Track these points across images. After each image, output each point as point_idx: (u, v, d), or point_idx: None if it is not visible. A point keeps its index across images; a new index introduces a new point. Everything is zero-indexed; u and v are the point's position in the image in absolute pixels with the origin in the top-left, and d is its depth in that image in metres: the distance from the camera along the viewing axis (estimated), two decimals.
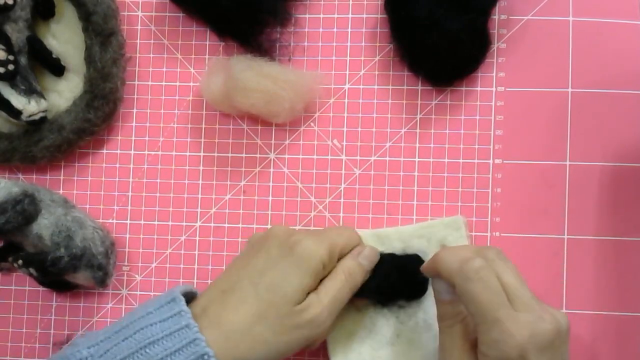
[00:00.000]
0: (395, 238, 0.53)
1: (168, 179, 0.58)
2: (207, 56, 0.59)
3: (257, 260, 0.47)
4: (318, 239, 0.48)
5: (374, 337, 0.53)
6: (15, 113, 0.54)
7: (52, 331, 0.58)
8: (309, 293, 0.47)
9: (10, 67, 0.53)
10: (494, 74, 0.56)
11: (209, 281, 0.57)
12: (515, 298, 0.43)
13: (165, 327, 0.44)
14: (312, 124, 0.57)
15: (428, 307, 0.52)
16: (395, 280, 0.51)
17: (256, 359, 0.45)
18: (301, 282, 0.46)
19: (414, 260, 0.52)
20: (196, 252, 0.57)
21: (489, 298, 0.42)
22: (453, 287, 0.45)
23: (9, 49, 0.54)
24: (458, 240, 0.53)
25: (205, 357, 0.43)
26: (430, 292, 0.52)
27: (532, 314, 0.42)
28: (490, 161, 0.56)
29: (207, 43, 0.59)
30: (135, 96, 0.59)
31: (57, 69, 0.57)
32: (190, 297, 0.47)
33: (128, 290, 0.58)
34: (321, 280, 0.48)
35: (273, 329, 0.45)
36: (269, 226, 0.57)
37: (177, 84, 0.59)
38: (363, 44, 0.57)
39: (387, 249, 0.53)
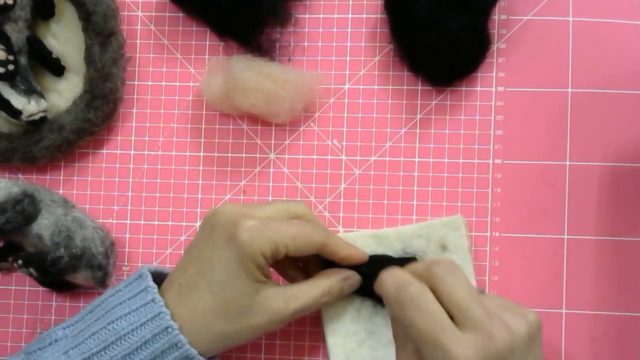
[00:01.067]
0: (395, 238, 0.53)
1: (168, 179, 0.58)
2: (207, 56, 0.59)
3: (205, 253, 0.47)
4: (262, 232, 0.46)
5: (374, 338, 0.53)
6: (15, 113, 0.54)
7: None
8: (269, 279, 0.48)
9: (10, 67, 0.53)
10: (494, 74, 0.56)
11: None
12: (462, 316, 0.41)
13: (132, 303, 0.46)
14: (312, 124, 0.57)
15: None
16: None
17: (218, 349, 0.47)
18: (248, 275, 0.46)
19: (411, 261, 0.52)
20: None
21: (426, 323, 0.41)
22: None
23: (9, 49, 0.54)
24: (457, 240, 0.53)
25: (169, 329, 0.44)
26: None
27: (480, 333, 0.40)
28: (490, 161, 0.56)
29: (207, 43, 0.59)
30: (135, 96, 0.59)
31: (57, 69, 0.57)
32: (162, 278, 0.49)
33: None
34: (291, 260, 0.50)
35: (233, 324, 0.46)
36: None
37: (177, 84, 0.59)
38: (363, 44, 0.57)
39: (387, 250, 0.53)
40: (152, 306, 0.45)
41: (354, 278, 0.50)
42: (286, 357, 0.56)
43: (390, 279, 0.45)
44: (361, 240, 0.53)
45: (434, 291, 0.43)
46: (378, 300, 0.52)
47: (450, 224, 0.53)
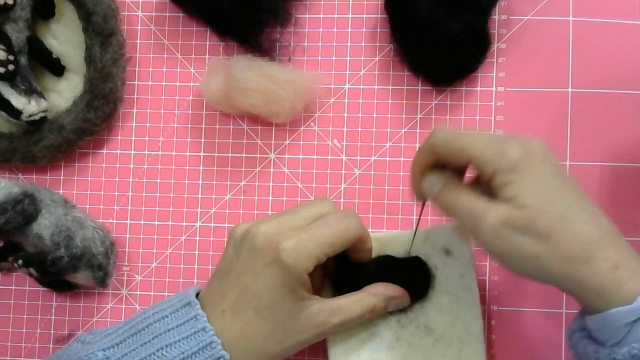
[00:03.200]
0: (398, 242, 0.53)
1: (168, 179, 0.58)
2: (207, 56, 0.59)
3: (246, 278, 0.46)
4: (306, 249, 0.45)
5: (374, 340, 0.52)
6: (15, 113, 0.54)
7: (52, 331, 0.58)
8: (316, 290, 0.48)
9: (10, 67, 0.53)
10: (494, 74, 0.56)
11: None
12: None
13: (182, 330, 0.45)
14: (312, 124, 0.57)
15: (430, 312, 0.52)
16: (397, 283, 0.51)
17: None
18: (295, 297, 0.46)
19: (415, 262, 0.52)
20: (196, 252, 0.57)
21: (464, 204, 0.43)
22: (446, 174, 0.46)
23: (9, 49, 0.54)
24: (461, 245, 0.53)
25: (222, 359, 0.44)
26: (432, 297, 0.52)
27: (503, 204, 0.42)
28: None
29: (207, 43, 0.59)
30: (135, 96, 0.59)
31: (57, 69, 0.57)
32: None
33: (128, 290, 0.58)
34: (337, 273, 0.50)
35: (282, 344, 0.46)
36: None
37: (177, 84, 0.59)
38: (363, 44, 0.58)
39: (390, 253, 0.53)
40: (202, 335, 0.45)
41: (403, 299, 0.50)
42: (287, 358, 0.56)
43: (480, 137, 0.44)
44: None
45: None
46: None
47: (454, 229, 0.53)
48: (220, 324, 0.46)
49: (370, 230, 0.55)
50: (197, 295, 0.48)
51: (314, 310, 0.46)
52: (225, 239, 0.57)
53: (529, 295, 0.54)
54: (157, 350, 0.45)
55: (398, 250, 0.53)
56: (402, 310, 0.52)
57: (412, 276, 0.51)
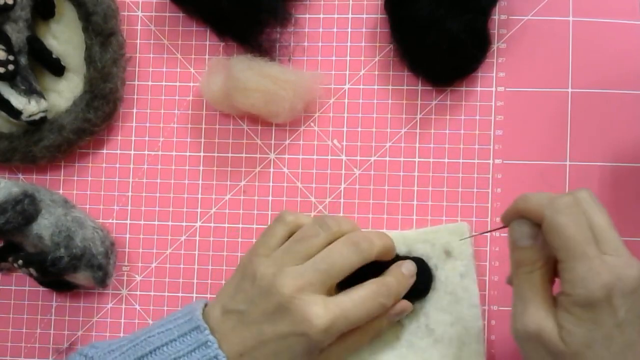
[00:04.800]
0: (400, 242, 0.53)
1: (168, 179, 0.58)
2: (207, 56, 0.59)
3: (268, 333, 0.46)
4: (333, 326, 0.46)
5: (374, 340, 0.52)
6: (15, 113, 0.54)
7: (52, 331, 0.58)
8: None
9: (10, 67, 0.53)
10: (494, 74, 0.56)
11: (209, 281, 0.57)
12: (604, 240, 0.41)
13: (194, 357, 0.45)
14: (312, 124, 0.57)
15: (430, 312, 0.52)
16: None
17: None
18: (317, 353, 0.46)
19: (417, 262, 0.52)
20: (196, 252, 0.57)
21: (577, 232, 0.41)
22: (536, 228, 0.44)
23: (9, 49, 0.53)
24: (462, 246, 0.53)
25: None
26: (432, 297, 0.52)
27: (620, 258, 0.40)
28: (490, 161, 0.56)
29: (207, 43, 0.59)
30: (135, 96, 0.59)
31: (57, 69, 0.57)
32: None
33: (128, 290, 0.58)
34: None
35: None
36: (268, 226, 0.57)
37: (177, 84, 0.59)
38: (363, 44, 0.57)
39: None
40: None
41: (407, 311, 0.51)
42: None
43: (541, 193, 0.44)
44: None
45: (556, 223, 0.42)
46: None
47: (455, 231, 0.53)
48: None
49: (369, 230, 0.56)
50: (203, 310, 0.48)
51: (330, 350, 0.48)
52: (226, 239, 0.57)
53: None
54: None
55: (399, 250, 0.53)
56: None
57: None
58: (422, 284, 0.52)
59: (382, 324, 0.50)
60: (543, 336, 0.41)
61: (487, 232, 0.50)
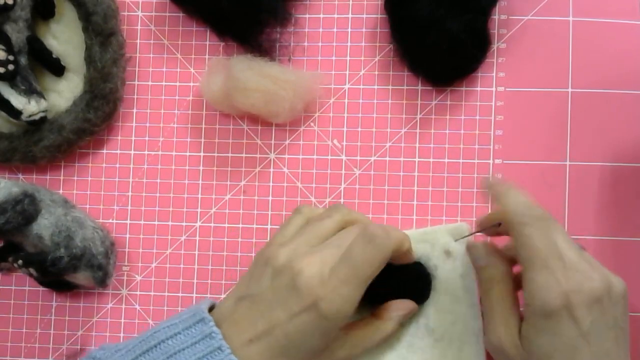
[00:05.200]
0: None
1: (168, 179, 0.58)
2: (207, 56, 0.59)
3: (279, 314, 0.44)
4: (347, 296, 0.44)
5: (381, 343, 0.52)
6: (15, 113, 0.54)
7: (52, 331, 0.58)
8: None
9: (10, 67, 0.53)
10: (494, 74, 0.56)
11: (209, 281, 0.57)
12: (565, 258, 0.43)
13: (197, 349, 0.44)
14: (312, 124, 0.57)
15: (430, 313, 0.52)
16: (398, 288, 0.51)
17: None
18: (328, 339, 0.45)
19: (416, 266, 0.52)
20: (196, 252, 0.57)
21: (543, 244, 0.43)
22: (490, 249, 0.48)
23: (9, 49, 0.53)
24: (461, 245, 0.53)
25: None
26: (432, 297, 0.52)
27: (581, 271, 0.42)
28: (490, 161, 0.56)
29: (207, 43, 0.59)
30: (135, 96, 0.59)
31: (57, 69, 0.57)
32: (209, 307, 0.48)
33: (128, 290, 0.58)
34: None
35: None
36: (268, 227, 0.57)
37: (177, 84, 0.59)
38: (363, 44, 0.57)
39: None
40: (219, 354, 0.43)
41: (413, 312, 0.51)
42: None
43: (519, 199, 0.46)
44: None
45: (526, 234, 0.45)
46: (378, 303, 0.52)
47: (454, 231, 0.53)
48: (246, 351, 0.44)
49: None
50: (210, 309, 0.47)
51: (336, 345, 0.47)
52: (226, 239, 0.57)
53: None
54: None
55: None
56: None
57: (412, 281, 0.51)
58: (423, 288, 0.52)
59: (388, 327, 0.49)
60: (505, 350, 0.44)
61: (483, 230, 0.50)
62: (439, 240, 0.53)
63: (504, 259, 0.48)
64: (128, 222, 0.58)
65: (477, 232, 0.52)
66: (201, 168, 0.58)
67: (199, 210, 0.58)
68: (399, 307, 0.50)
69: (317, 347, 0.45)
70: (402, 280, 0.51)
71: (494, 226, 0.49)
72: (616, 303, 0.43)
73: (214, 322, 0.45)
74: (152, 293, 0.57)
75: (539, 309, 0.42)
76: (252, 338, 0.44)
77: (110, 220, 0.58)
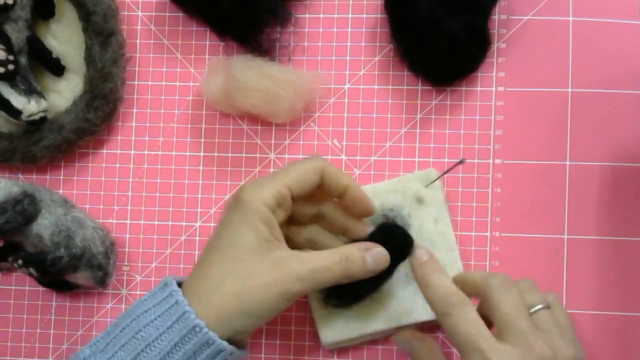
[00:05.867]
0: (371, 195, 0.52)
1: (168, 179, 0.58)
2: (207, 56, 0.59)
3: (216, 227, 0.47)
4: (261, 184, 0.47)
5: (361, 312, 0.53)
6: (15, 113, 0.54)
7: (52, 331, 0.58)
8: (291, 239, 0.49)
9: (10, 67, 0.53)
10: (494, 74, 0.56)
11: None
12: (504, 328, 0.43)
13: (158, 309, 0.45)
14: (312, 124, 0.57)
15: (408, 261, 0.51)
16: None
17: (232, 314, 0.44)
18: (256, 232, 0.45)
19: (394, 227, 0.51)
20: (196, 252, 0.57)
21: (467, 329, 0.43)
22: (410, 341, 0.50)
23: (9, 49, 0.54)
24: (433, 192, 0.53)
25: (197, 328, 0.43)
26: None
27: (519, 346, 0.42)
28: (490, 161, 0.56)
29: (207, 43, 0.59)
30: (135, 96, 0.59)
31: (57, 69, 0.57)
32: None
33: (128, 290, 0.58)
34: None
35: (244, 282, 0.44)
36: None
37: (177, 84, 0.59)
38: (363, 44, 0.58)
39: None
40: (176, 308, 0.44)
41: (379, 251, 0.48)
42: (286, 357, 0.56)
43: (435, 291, 0.45)
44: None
45: (485, 300, 0.45)
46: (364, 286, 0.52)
47: (424, 178, 0.53)
48: (191, 276, 0.46)
49: None
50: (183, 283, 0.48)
51: (282, 254, 0.45)
52: None
53: None
54: (136, 333, 0.44)
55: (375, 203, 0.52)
56: None
57: (389, 241, 0.49)
58: (402, 248, 0.50)
59: (355, 257, 0.47)
60: None
61: (450, 169, 0.52)
62: (410, 188, 0.53)
63: (424, 339, 0.50)
64: (128, 222, 0.58)
65: (445, 173, 0.52)
66: (201, 168, 0.58)
67: (199, 210, 0.58)
68: (363, 242, 0.49)
69: (248, 241, 0.45)
70: (378, 242, 0.49)
71: None
72: None
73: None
74: None
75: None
76: (196, 263, 0.47)
77: (110, 220, 0.58)
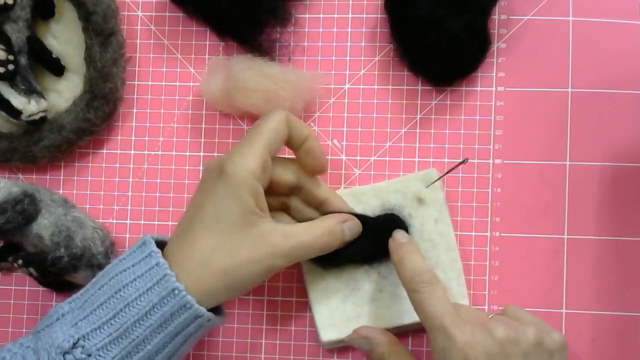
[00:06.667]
0: (372, 195, 0.54)
1: (168, 179, 0.58)
2: (207, 56, 0.59)
3: (198, 197, 0.47)
4: (242, 153, 0.46)
5: (357, 294, 0.53)
6: (15, 113, 0.54)
7: None
8: (274, 213, 0.50)
9: (10, 67, 0.53)
10: (494, 74, 0.56)
11: None
12: (465, 314, 0.46)
13: (137, 269, 0.45)
14: (312, 124, 0.57)
15: None
16: (373, 243, 0.51)
17: (220, 289, 0.45)
18: (242, 205, 0.45)
19: (389, 218, 0.53)
20: None
21: (433, 307, 0.45)
22: (365, 336, 0.50)
23: (9, 49, 0.54)
24: (433, 192, 0.53)
25: (176, 291, 0.44)
26: None
27: (480, 326, 0.44)
28: (490, 161, 0.56)
29: (207, 43, 0.59)
30: (135, 96, 0.59)
31: (57, 69, 0.57)
32: (163, 245, 0.48)
33: None
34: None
35: (232, 257, 0.45)
36: None
37: (177, 84, 0.59)
38: (363, 44, 0.57)
39: (365, 206, 0.54)
40: (156, 270, 0.44)
41: (354, 222, 0.51)
42: (286, 357, 0.56)
43: (410, 267, 0.48)
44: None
45: None
46: (360, 262, 0.53)
47: (425, 178, 0.53)
48: (174, 246, 0.46)
49: (346, 187, 0.56)
50: (160, 242, 0.48)
51: (267, 228, 0.46)
52: None
53: (529, 295, 0.54)
54: (116, 292, 0.45)
55: (373, 203, 0.53)
56: (382, 262, 0.53)
57: (387, 232, 0.51)
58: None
59: (336, 231, 0.49)
60: None
61: (452, 169, 0.52)
62: (410, 188, 0.53)
63: (382, 332, 0.50)
64: (128, 222, 0.58)
65: (447, 173, 0.52)
66: (201, 168, 0.58)
67: None
68: (339, 214, 0.51)
69: (235, 215, 0.45)
70: (377, 236, 0.51)
71: None
72: (526, 351, 0.44)
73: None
74: None
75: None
76: (179, 232, 0.47)
77: (110, 220, 0.58)
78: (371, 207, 0.54)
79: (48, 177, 0.59)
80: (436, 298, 0.45)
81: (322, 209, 0.51)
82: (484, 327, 0.44)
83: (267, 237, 0.46)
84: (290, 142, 0.50)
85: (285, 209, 0.52)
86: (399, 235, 0.51)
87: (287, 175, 0.50)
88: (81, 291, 0.47)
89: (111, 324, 0.44)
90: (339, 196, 0.52)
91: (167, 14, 0.59)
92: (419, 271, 0.47)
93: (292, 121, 0.49)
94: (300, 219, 0.51)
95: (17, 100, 0.54)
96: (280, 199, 0.51)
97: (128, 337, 0.44)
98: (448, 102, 0.56)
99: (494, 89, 0.56)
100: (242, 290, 0.46)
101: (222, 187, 0.46)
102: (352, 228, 0.50)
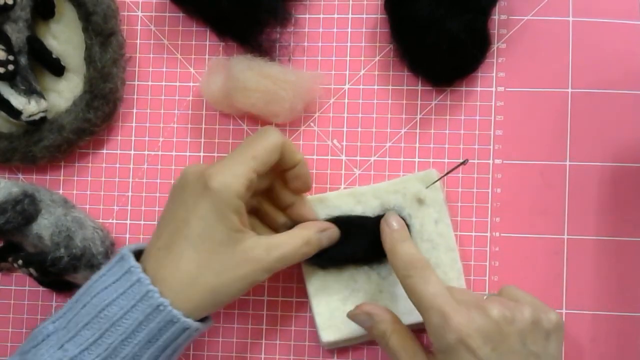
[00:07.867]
0: (371, 195, 0.54)
1: (168, 179, 0.58)
2: (207, 56, 0.59)
3: (179, 213, 0.46)
4: (230, 169, 0.46)
5: (357, 295, 0.53)
6: (15, 113, 0.54)
7: None
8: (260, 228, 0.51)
9: (10, 67, 0.53)
10: (494, 74, 0.56)
11: None
12: (460, 295, 0.46)
13: (119, 286, 0.45)
14: (312, 124, 0.57)
15: None
16: (373, 244, 0.51)
17: (207, 305, 0.46)
18: (227, 224, 0.45)
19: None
20: None
21: (426, 289, 0.45)
22: (367, 312, 0.49)
23: (9, 49, 0.54)
24: (433, 193, 0.53)
25: (161, 307, 0.44)
26: None
27: (476, 309, 0.44)
28: (490, 161, 0.56)
29: (207, 43, 0.59)
30: (135, 96, 0.59)
31: (57, 69, 0.57)
32: (140, 254, 0.48)
33: None
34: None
35: (219, 277, 0.45)
36: None
37: (177, 84, 0.59)
38: (363, 44, 0.57)
39: (365, 207, 0.54)
40: (138, 286, 0.44)
41: (333, 230, 0.51)
42: (286, 357, 0.56)
43: (403, 255, 0.48)
44: (339, 199, 0.54)
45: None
46: (360, 263, 0.53)
47: (424, 178, 0.53)
48: (155, 261, 0.46)
49: (347, 188, 0.56)
50: (137, 252, 0.47)
51: (250, 244, 0.46)
52: None
53: None
54: (100, 312, 0.44)
55: (372, 203, 0.53)
56: (382, 263, 0.53)
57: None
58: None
59: (314, 241, 0.50)
60: None
61: (452, 169, 0.52)
62: (410, 189, 0.53)
63: (385, 310, 0.50)
64: (128, 222, 0.58)
65: (447, 174, 0.52)
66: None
67: None
68: (316, 221, 0.52)
69: (221, 234, 0.45)
70: (375, 237, 0.51)
71: None
72: (522, 329, 0.44)
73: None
74: None
75: (439, 348, 0.44)
76: (160, 247, 0.46)
77: (110, 220, 0.58)
78: (371, 207, 0.54)
79: (48, 177, 0.59)
80: (429, 282, 0.46)
81: (289, 211, 0.52)
82: (479, 307, 0.45)
83: (250, 253, 0.46)
84: (280, 164, 0.49)
85: (255, 212, 0.52)
86: (392, 218, 0.51)
87: (263, 183, 0.50)
88: (64, 309, 0.46)
89: (99, 344, 0.44)
90: (307, 200, 0.53)
91: (167, 14, 0.59)
92: (413, 259, 0.47)
93: (287, 147, 0.49)
94: (269, 223, 0.52)
95: (17, 100, 0.54)
96: (251, 203, 0.51)
97: (117, 355, 0.44)
98: (448, 103, 0.56)
99: (494, 89, 0.56)
100: (227, 303, 0.47)
101: (207, 203, 0.45)
102: (331, 237, 0.51)
